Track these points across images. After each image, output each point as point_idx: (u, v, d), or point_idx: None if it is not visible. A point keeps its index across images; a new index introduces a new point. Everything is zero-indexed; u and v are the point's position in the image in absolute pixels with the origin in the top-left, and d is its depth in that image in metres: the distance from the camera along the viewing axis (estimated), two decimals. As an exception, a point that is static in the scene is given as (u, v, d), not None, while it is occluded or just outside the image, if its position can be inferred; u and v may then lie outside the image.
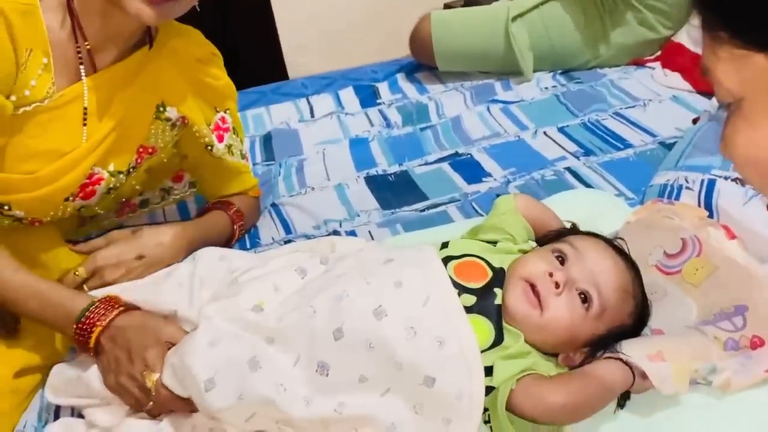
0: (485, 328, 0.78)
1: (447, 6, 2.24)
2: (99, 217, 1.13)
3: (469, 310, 0.78)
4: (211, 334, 0.79)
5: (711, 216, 1.02)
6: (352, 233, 1.19)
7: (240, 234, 1.16)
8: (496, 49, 1.68)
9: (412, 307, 0.77)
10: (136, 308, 0.88)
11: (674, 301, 0.91)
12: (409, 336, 0.74)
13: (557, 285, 0.79)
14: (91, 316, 0.85)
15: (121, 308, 0.86)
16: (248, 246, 1.18)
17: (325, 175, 1.39)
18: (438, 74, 1.77)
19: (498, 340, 0.78)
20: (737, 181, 1.03)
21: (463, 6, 2.17)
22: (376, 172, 1.38)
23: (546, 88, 1.62)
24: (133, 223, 1.19)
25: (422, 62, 1.79)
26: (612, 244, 0.88)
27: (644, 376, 0.77)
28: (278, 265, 0.90)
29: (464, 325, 0.76)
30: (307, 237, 1.19)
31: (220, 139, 1.09)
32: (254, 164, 1.44)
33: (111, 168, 0.99)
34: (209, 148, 1.08)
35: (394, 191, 1.31)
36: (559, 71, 1.69)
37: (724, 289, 0.89)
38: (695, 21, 1.63)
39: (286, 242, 1.18)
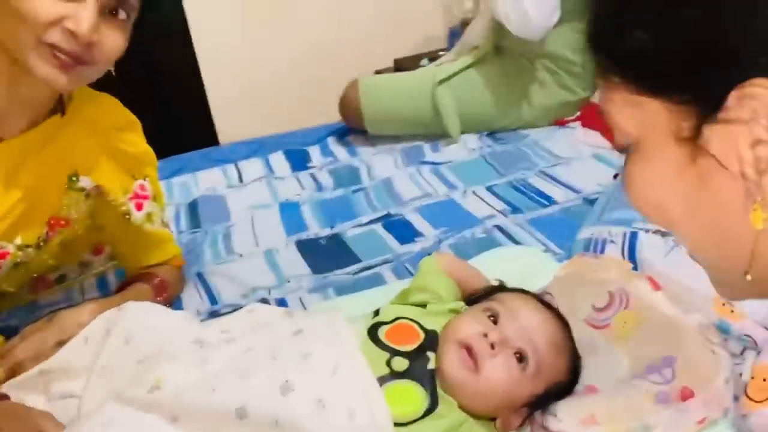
0: (417, 394, 0.75)
1: (378, 72, 2.29)
2: (10, 294, 1.06)
3: (401, 375, 0.76)
4: (105, 417, 0.73)
5: (635, 268, 1.03)
6: (282, 301, 1.15)
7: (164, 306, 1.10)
8: (423, 113, 1.71)
9: (320, 378, 0.73)
10: (6, 397, 0.81)
11: (605, 355, 0.90)
12: (318, 409, 0.71)
13: (492, 346, 0.77)
14: None
15: None
16: (171, 318, 1.12)
17: (253, 241, 1.35)
18: (368, 137, 1.79)
19: (432, 406, 0.75)
20: (658, 232, 1.05)
21: (393, 72, 2.23)
22: (307, 236, 1.36)
23: (473, 149, 1.66)
24: (48, 299, 1.12)
25: (352, 126, 1.81)
26: (541, 300, 0.88)
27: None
28: (179, 336, 0.85)
29: (375, 392, 0.73)
30: (234, 306, 1.14)
31: (139, 207, 1.05)
32: (179, 232, 1.39)
33: (18, 242, 0.93)
34: (127, 217, 1.04)
35: (326, 255, 1.28)
36: (485, 132, 1.73)
37: (653, 341, 0.89)
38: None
39: (211, 313, 1.13)
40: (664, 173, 0.41)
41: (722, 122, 0.37)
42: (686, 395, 0.80)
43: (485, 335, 0.78)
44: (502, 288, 0.92)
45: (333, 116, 1.88)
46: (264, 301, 1.16)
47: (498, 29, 1.70)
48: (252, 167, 1.69)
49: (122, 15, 0.83)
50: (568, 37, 1.64)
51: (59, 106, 0.95)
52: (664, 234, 1.06)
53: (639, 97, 0.40)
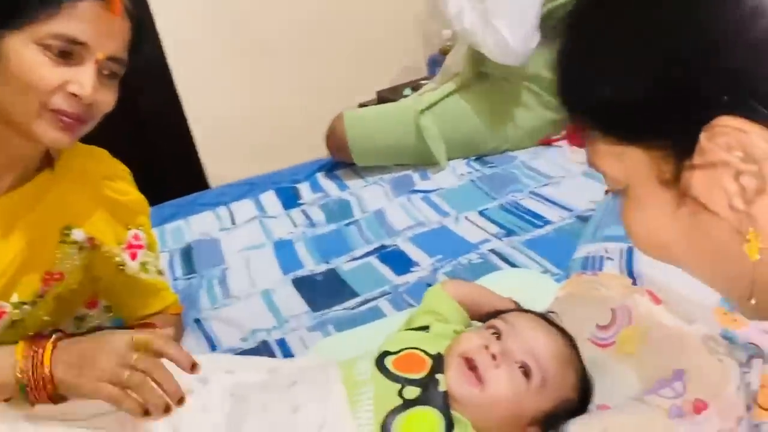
0: (433, 419, 0.75)
1: (361, 104, 2.31)
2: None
3: (414, 402, 0.76)
4: None
5: (634, 283, 1.03)
6: (282, 341, 1.14)
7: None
8: (409, 142, 1.72)
9: None
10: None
11: (614, 373, 0.90)
12: None
13: (494, 357, 0.78)
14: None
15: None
16: (172, 367, 1.10)
17: (250, 283, 1.34)
18: (357, 170, 1.80)
19: (448, 429, 0.75)
20: (653, 246, 1.06)
21: (377, 103, 2.25)
22: (303, 273, 1.35)
23: (462, 174, 1.67)
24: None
25: (340, 160, 1.82)
26: (545, 317, 0.89)
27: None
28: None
29: None
30: (234, 350, 1.13)
31: (133, 256, 1.04)
32: (174, 279, 1.38)
33: (14, 299, 0.92)
34: (122, 267, 1.03)
35: (324, 291, 1.28)
36: (473, 157, 1.74)
37: (660, 355, 0.88)
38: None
39: (212, 358, 1.11)
40: (659, 216, 0.41)
41: (701, 162, 0.37)
42: (699, 408, 0.80)
43: (486, 347, 0.79)
44: (510, 309, 0.92)
45: (320, 151, 1.89)
46: (264, 343, 1.15)
47: (478, 56, 1.72)
48: (244, 208, 1.69)
49: (115, 74, 0.86)
50: (548, 57, 1.66)
51: (47, 160, 0.95)
52: (660, 247, 1.06)
53: (620, 147, 0.41)
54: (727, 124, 0.36)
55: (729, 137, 0.36)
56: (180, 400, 0.75)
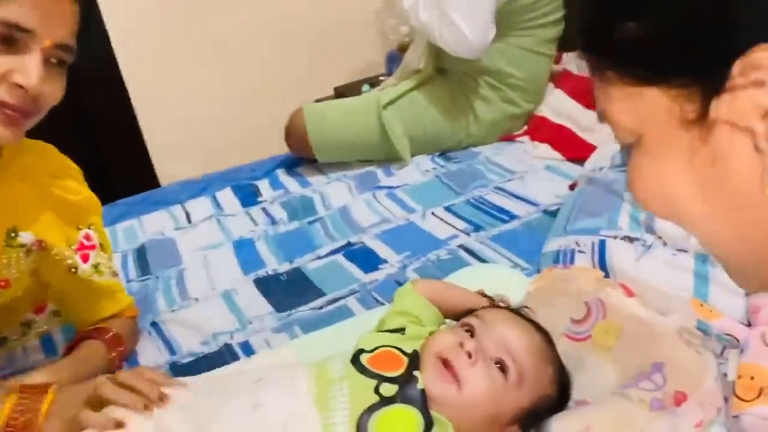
0: (411, 417, 0.73)
1: (318, 101, 2.26)
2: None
3: (392, 400, 0.73)
4: None
5: (607, 276, 1.03)
6: (246, 344, 1.09)
7: (120, 362, 1.02)
8: (372, 138, 1.69)
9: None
10: None
11: (591, 368, 0.89)
12: None
13: (470, 355, 0.76)
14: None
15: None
16: (129, 375, 1.04)
17: (209, 284, 1.29)
18: (319, 166, 1.75)
19: (427, 428, 0.72)
20: (626, 238, 1.05)
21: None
22: (266, 273, 1.30)
23: (427, 170, 1.64)
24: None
25: (300, 155, 1.77)
26: (519, 313, 0.87)
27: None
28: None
29: None
30: (195, 355, 1.08)
31: (85, 258, 0.97)
32: (128, 281, 1.31)
33: (-48, 308, 0.85)
34: (73, 270, 0.96)
35: (288, 291, 1.23)
36: (437, 153, 1.72)
37: (637, 348, 0.88)
38: (552, 94, 1.73)
39: (171, 364, 1.06)
40: (673, 163, 0.39)
41: (729, 97, 0.34)
42: (680, 399, 0.79)
43: (461, 345, 0.77)
44: (484, 306, 0.90)
45: (277, 149, 1.84)
46: (227, 346, 1.09)
47: (437, 51, 1.70)
48: (200, 206, 1.62)
49: (63, 62, 0.79)
50: (506, 52, 1.66)
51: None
52: (632, 239, 1.06)
53: (637, 89, 0.38)
54: (764, 54, 0.33)
55: (763, 70, 0.33)
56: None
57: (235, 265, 1.34)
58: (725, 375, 0.85)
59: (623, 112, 0.40)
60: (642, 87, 0.39)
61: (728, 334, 0.87)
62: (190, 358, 1.08)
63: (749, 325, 0.87)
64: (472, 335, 0.80)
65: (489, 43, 1.56)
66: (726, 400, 0.82)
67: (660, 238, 1.04)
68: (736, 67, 0.34)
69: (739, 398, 0.80)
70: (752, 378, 0.79)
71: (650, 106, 0.38)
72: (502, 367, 0.77)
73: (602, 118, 0.43)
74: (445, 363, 0.76)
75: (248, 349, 1.08)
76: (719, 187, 0.37)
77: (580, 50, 0.43)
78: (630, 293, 0.97)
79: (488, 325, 0.81)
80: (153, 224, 1.56)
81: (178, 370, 1.05)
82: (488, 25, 1.54)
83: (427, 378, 0.76)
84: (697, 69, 0.36)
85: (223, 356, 1.07)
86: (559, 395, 0.82)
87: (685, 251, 1.00)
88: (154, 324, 1.17)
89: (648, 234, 1.05)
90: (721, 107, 0.35)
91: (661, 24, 0.37)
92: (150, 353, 1.09)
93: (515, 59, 1.67)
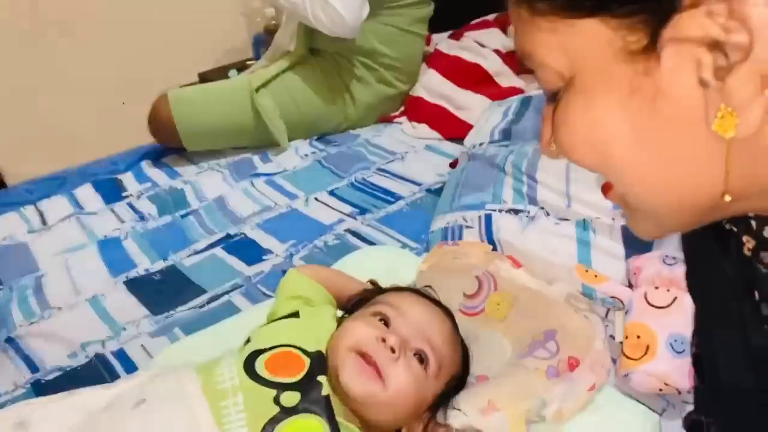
0: (318, 427, 0.66)
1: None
2: None
3: (293, 410, 0.66)
4: None
5: (495, 249, 1.03)
6: (120, 353, 0.99)
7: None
8: (245, 122, 1.60)
9: None
10: None
11: (487, 341, 0.89)
12: None
13: (393, 350, 0.70)
14: None
15: None
16: (-19, 401, 0.91)
17: (72, 290, 1.16)
18: (188, 155, 1.64)
19: None
20: (511, 211, 1.07)
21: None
22: (137, 273, 1.19)
23: (306, 155, 1.59)
24: None
25: (167, 145, 1.64)
26: (424, 294, 0.84)
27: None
28: None
29: None
30: (62, 370, 0.96)
31: None
32: (-25, 294, 1.15)
33: None
34: None
35: (164, 291, 1.14)
36: (315, 137, 1.67)
37: (529, 318, 0.89)
38: (426, 74, 1.72)
39: (34, 383, 0.94)
40: (607, 105, 0.36)
41: (676, 26, 0.32)
42: (573, 365, 0.81)
43: (383, 340, 0.71)
44: (380, 290, 0.86)
45: (141, 139, 1.70)
46: (99, 356, 0.99)
47: (309, 31, 1.64)
48: (56, 206, 1.46)
49: None
50: (379, 31, 1.63)
51: None
52: (517, 212, 1.07)
53: (572, 21, 0.35)
54: None
55: None
56: None
57: (102, 267, 1.22)
58: (612, 337, 0.88)
59: (554, 50, 0.37)
60: (578, 19, 0.36)
61: (613, 297, 0.90)
62: (57, 374, 0.96)
63: (631, 286, 0.91)
64: (386, 323, 0.75)
65: (363, 18, 1.53)
66: (614, 361, 0.85)
67: (542, 208, 1.07)
68: None
69: (627, 357, 0.83)
70: (638, 336, 0.83)
71: (587, 40, 0.35)
72: (421, 358, 0.73)
73: (527, 59, 0.39)
74: (366, 359, 0.70)
75: (124, 358, 0.99)
76: (656, 128, 0.35)
77: None
78: (518, 264, 0.98)
79: (401, 312, 0.76)
80: (2, 228, 1.38)
81: (42, 388, 0.93)
82: (362, 2, 1.51)
83: (346, 376, 0.69)
84: None
85: (95, 369, 0.97)
86: (463, 371, 0.81)
87: (567, 219, 1.03)
88: (9, 340, 1.03)
89: (531, 205, 1.08)
90: (666, 37, 0.33)
91: None
92: (7, 373, 0.96)
93: (388, 38, 1.66)
